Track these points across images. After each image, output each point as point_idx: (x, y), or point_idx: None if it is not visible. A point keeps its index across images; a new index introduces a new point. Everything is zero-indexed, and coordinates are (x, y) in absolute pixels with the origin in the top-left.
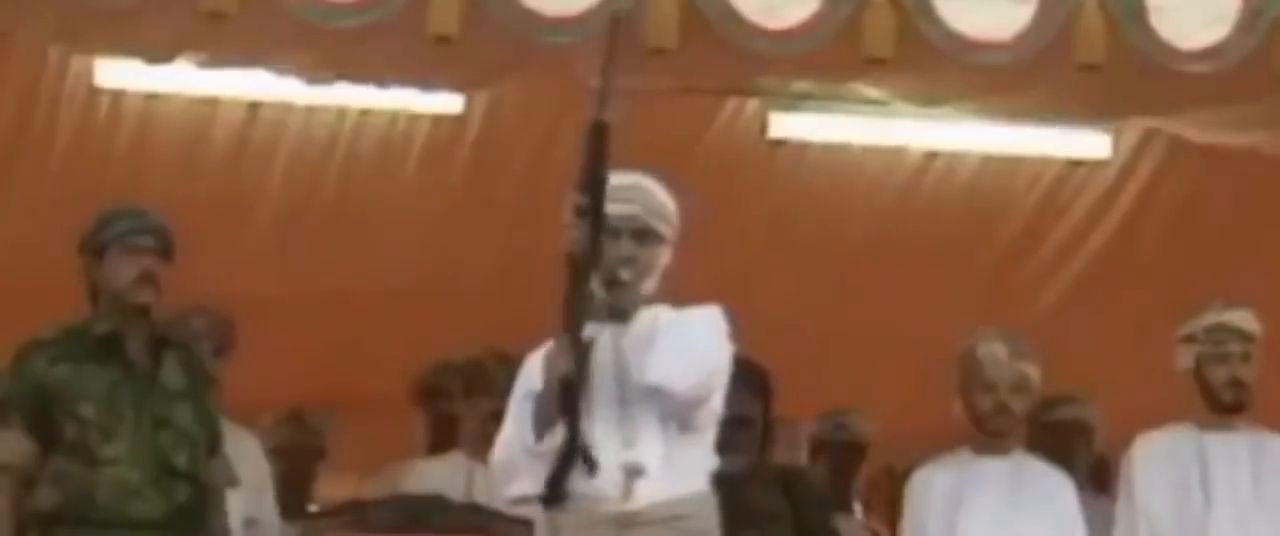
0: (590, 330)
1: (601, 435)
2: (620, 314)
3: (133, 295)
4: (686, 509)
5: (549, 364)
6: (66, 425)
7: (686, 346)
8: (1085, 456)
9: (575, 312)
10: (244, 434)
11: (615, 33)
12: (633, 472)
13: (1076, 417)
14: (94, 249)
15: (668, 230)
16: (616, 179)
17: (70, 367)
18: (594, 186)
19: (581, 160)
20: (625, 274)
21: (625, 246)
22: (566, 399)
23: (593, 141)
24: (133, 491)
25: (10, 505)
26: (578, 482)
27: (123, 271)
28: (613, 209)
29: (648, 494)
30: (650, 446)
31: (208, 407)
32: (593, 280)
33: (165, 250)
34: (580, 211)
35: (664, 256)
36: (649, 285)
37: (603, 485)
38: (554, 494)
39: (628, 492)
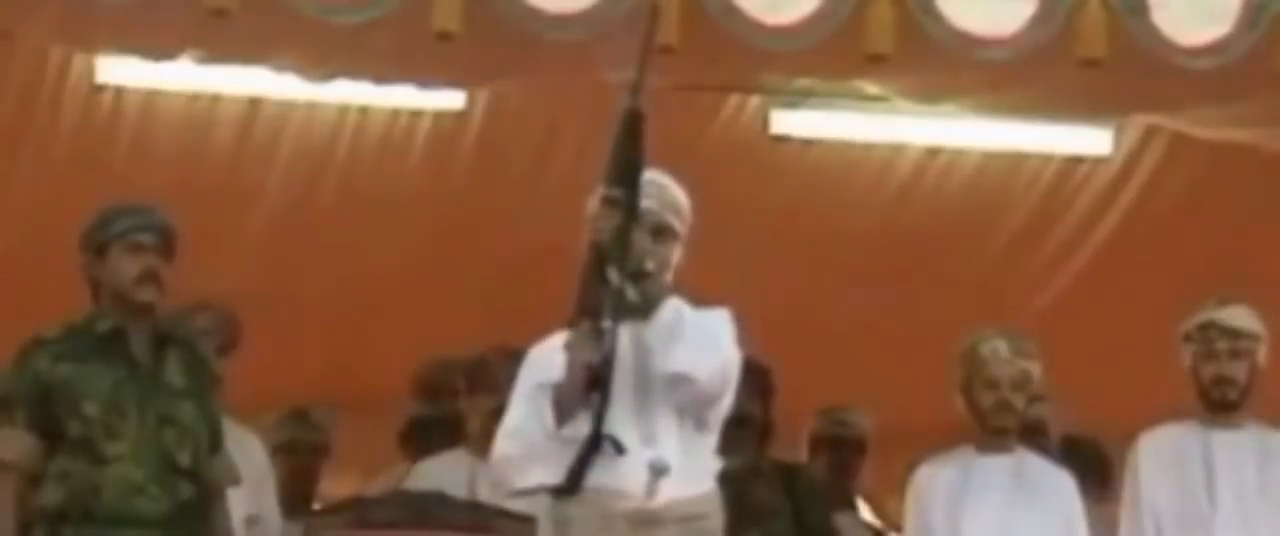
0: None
1: (621, 430)
2: (641, 308)
3: (135, 293)
4: (701, 508)
5: (571, 352)
6: (71, 423)
7: (709, 339)
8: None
9: (599, 300)
10: (245, 432)
11: (652, 21)
12: (659, 470)
13: (1035, 416)
14: (96, 247)
15: (681, 227)
16: None
17: (74, 365)
18: (626, 176)
19: (613, 149)
20: (650, 264)
21: (644, 241)
22: (594, 386)
23: (626, 130)
24: (137, 489)
25: (15, 503)
26: (598, 477)
27: (125, 269)
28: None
29: (668, 492)
30: (670, 443)
31: (210, 405)
32: (614, 272)
33: (167, 248)
34: (610, 201)
35: (677, 253)
36: (665, 280)
37: (626, 481)
38: (574, 483)
39: (652, 490)
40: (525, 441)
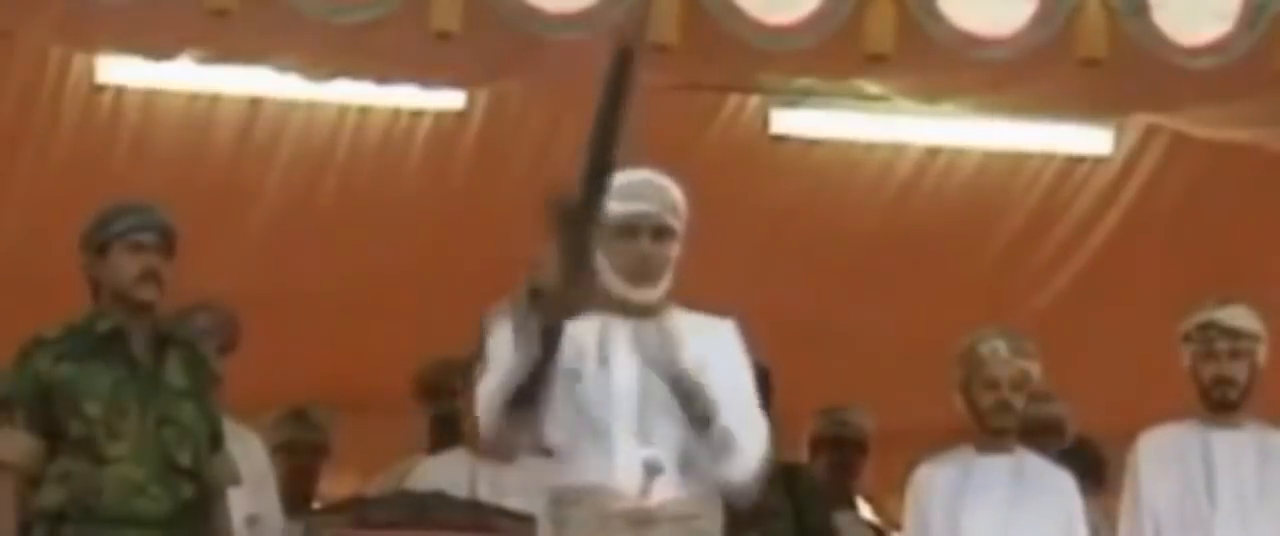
0: (616, 325)
1: (619, 429)
2: (646, 310)
3: (136, 292)
4: (698, 508)
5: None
6: (71, 423)
7: (758, 435)
8: (1055, 453)
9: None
10: (246, 431)
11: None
12: (653, 470)
13: (1049, 415)
14: (96, 246)
15: (680, 226)
16: (632, 176)
17: (74, 366)
18: (609, 118)
19: (601, 87)
20: (656, 267)
21: (645, 244)
22: (534, 300)
23: (616, 70)
24: (138, 489)
25: (15, 503)
26: (593, 476)
27: (126, 269)
28: (630, 206)
29: (664, 491)
30: (667, 444)
31: (210, 405)
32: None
33: (167, 247)
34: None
35: (676, 252)
36: (668, 279)
37: (620, 480)
38: (521, 396)
39: (646, 490)
40: (487, 376)
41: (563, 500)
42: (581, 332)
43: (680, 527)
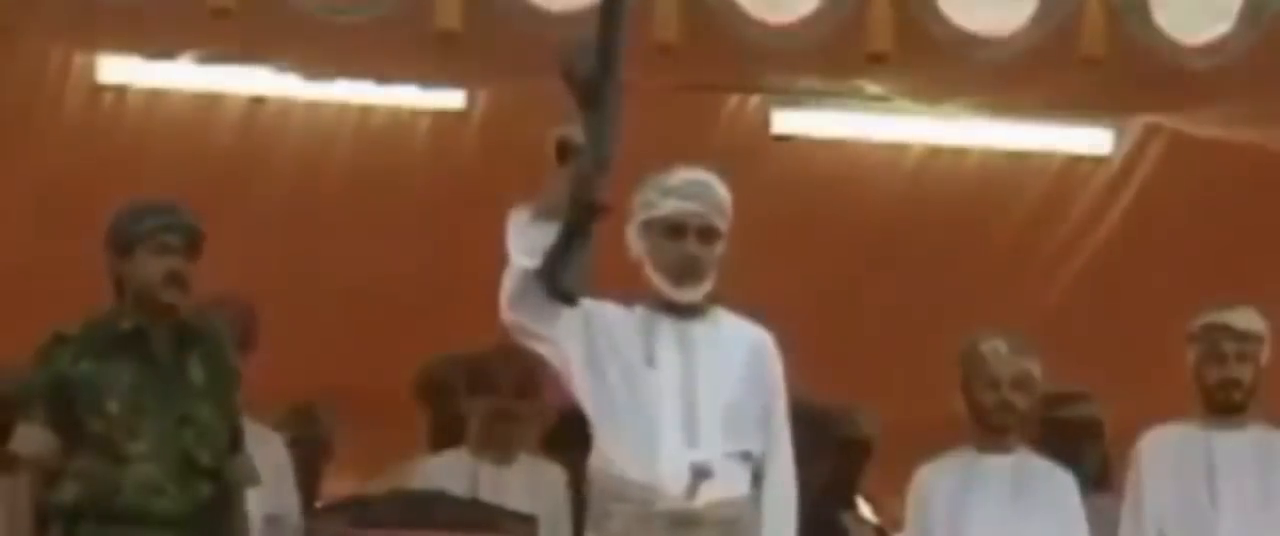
0: (661, 324)
1: (666, 429)
2: (689, 309)
3: (161, 295)
4: (740, 512)
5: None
6: (91, 421)
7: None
8: (1094, 454)
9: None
10: (265, 431)
11: None
12: (701, 474)
13: (1086, 416)
14: (121, 245)
15: (726, 226)
16: (680, 174)
17: (95, 363)
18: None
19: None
20: (701, 267)
21: (691, 244)
22: (562, 157)
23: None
24: (157, 488)
25: (32, 499)
26: (635, 472)
27: (151, 270)
28: (678, 206)
29: (708, 494)
30: (713, 447)
31: (230, 404)
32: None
33: (193, 250)
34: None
35: (721, 251)
36: (711, 281)
37: (665, 481)
38: (551, 264)
39: (692, 492)
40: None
41: (608, 493)
42: (626, 330)
43: (724, 530)
